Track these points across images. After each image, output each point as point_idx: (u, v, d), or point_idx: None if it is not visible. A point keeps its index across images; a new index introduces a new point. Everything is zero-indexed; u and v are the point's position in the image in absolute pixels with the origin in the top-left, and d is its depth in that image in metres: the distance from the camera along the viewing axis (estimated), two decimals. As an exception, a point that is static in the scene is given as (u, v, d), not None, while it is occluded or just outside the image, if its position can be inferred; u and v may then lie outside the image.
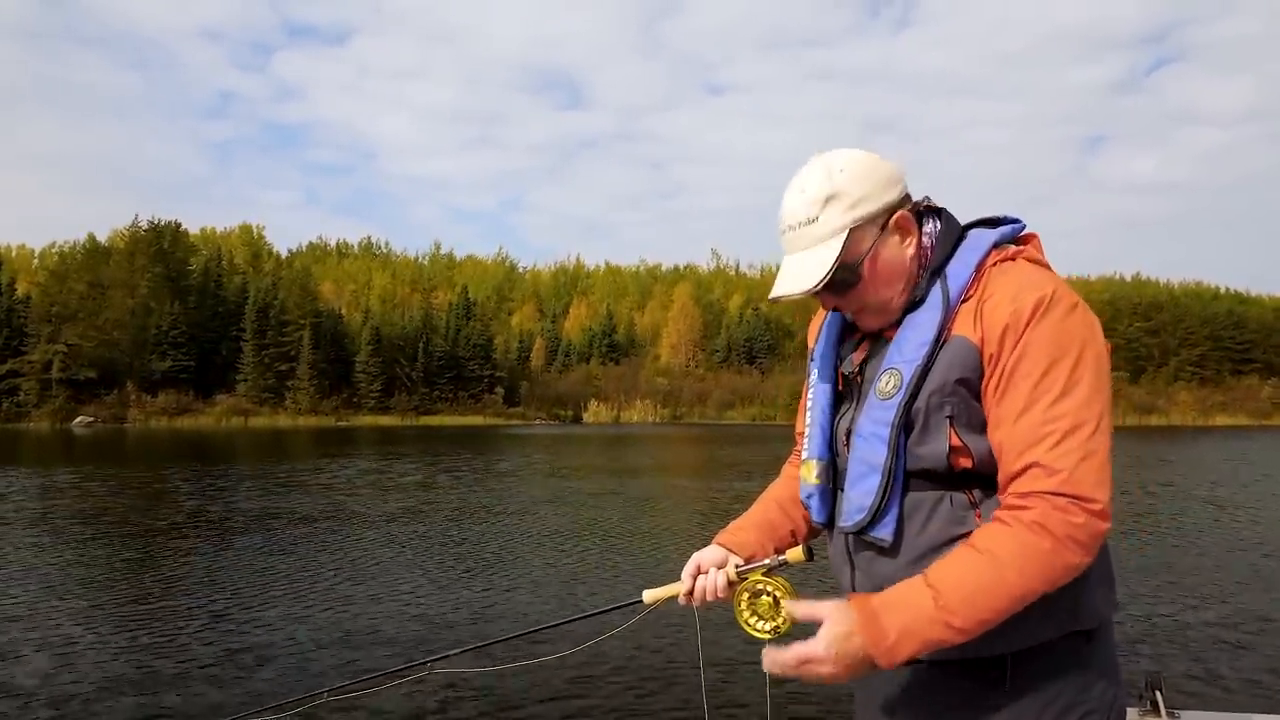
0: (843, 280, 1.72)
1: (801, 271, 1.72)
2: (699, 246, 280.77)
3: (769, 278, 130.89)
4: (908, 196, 1.78)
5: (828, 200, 1.70)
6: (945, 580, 1.55)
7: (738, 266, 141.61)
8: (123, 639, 7.19)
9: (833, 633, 1.56)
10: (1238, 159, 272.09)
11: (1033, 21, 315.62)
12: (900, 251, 1.76)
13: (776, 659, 1.58)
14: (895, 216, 1.74)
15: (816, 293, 1.74)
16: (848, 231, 1.69)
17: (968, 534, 1.64)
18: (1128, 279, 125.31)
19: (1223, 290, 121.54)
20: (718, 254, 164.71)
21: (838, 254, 1.68)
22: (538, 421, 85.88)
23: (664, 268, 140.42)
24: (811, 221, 1.71)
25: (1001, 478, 1.62)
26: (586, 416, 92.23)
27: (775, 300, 1.79)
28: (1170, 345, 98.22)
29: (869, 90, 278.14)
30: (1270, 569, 10.41)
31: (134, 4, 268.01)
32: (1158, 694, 2.56)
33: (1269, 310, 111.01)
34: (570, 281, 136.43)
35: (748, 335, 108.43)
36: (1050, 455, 1.54)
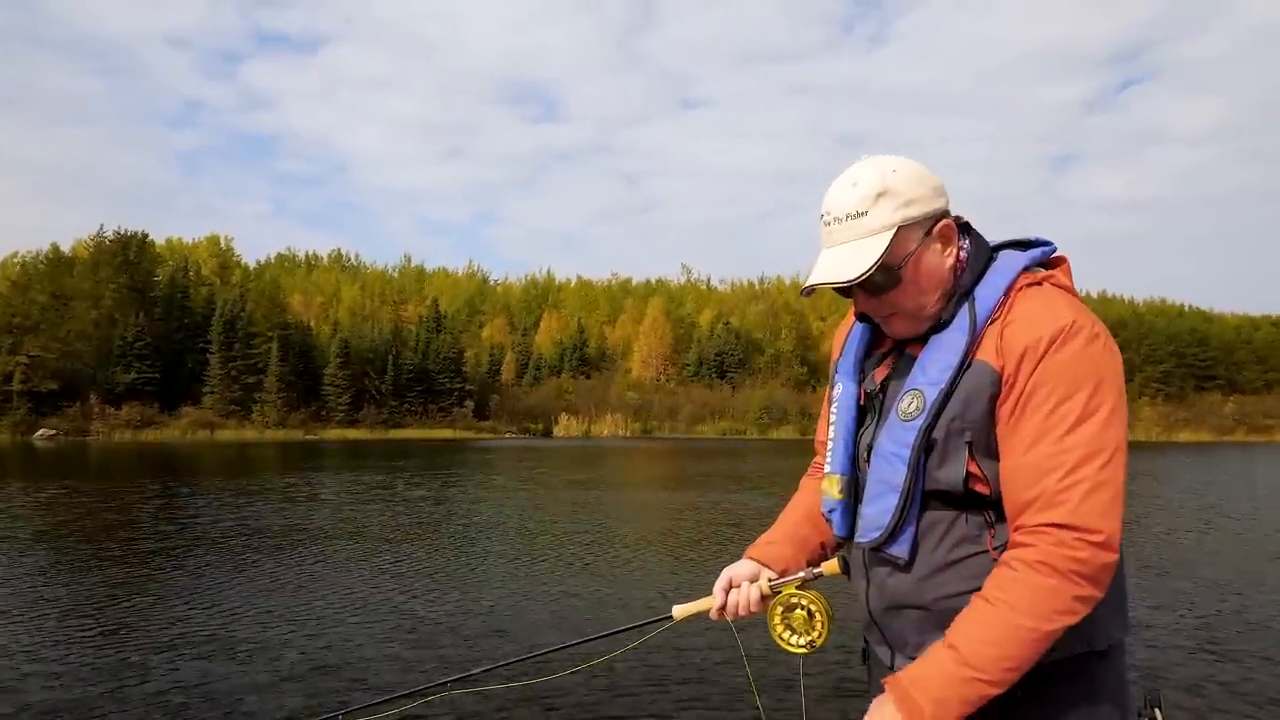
0: (884, 279, 1.72)
1: (845, 262, 1.72)
2: (670, 261, 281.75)
3: (739, 292, 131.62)
4: (949, 209, 1.79)
5: (879, 196, 1.71)
6: (963, 638, 1.58)
7: (709, 281, 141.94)
8: (95, 663, 6.98)
9: None
10: (1204, 178, 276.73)
11: (1006, 40, 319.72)
12: (941, 260, 1.76)
13: None
14: (940, 224, 1.76)
15: (854, 289, 1.74)
16: (896, 229, 1.71)
17: (980, 553, 1.69)
18: (1094, 297, 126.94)
19: (1186, 308, 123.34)
20: (689, 268, 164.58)
21: (884, 249, 1.69)
22: (508, 435, 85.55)
23: (635, 281, 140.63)
24: (861, 215, 1.71)
25: (1011, 508, 1.63)
26: (557, 430, 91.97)
27: (810, 291, 1.77)
28: (1135, 362, 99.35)
29: (843, 106, 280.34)
30: (1267, 584, 10.46)
31: (98, 8, 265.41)
32: (1156, 712, 2.51)
33: (1230, 328, 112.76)
34: (541, 295, 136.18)
35: (718, 350, 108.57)
36: (1057, 487, 1.55)
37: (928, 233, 1.73)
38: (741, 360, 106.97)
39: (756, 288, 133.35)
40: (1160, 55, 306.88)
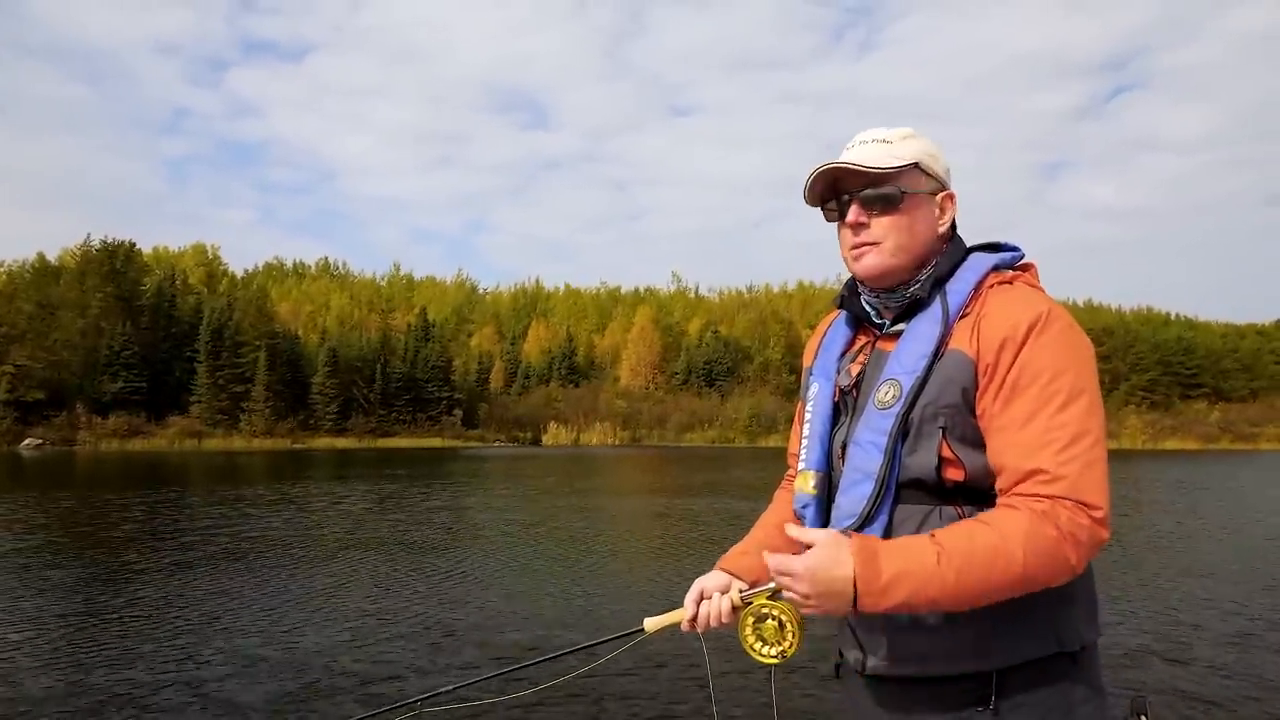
0: (892, 194, 1.80)
1: (872, 157, 1.80)
2: (659, 269, 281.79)
3: (728, 300, 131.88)
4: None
5: (906, 138, 1.84)
6: (951, 539, 1.56)
7: (698, 289, 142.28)
8: (69, 676, 6.97)
9: (818, 556, 1.57)
10: (1194, 186, 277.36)
11: (996, 48, 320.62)
12: (932, 224, 1.85)
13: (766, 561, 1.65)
14: (945, 192, 1.87)
15: (853, 199, 1.82)
16: (914, 163, 1.81)
17: None
18: (1080, 305, 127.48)
19: (1172, 316, 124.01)
20: (678, 276, 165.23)
21: (904, 166, 1.80)
22: (496, 443, 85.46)
23: (624, 290, 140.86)
24: (887, 142, 1.83)
25: (1003, 483, 1.64)
26: (545, 439, 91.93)
27: (827, 168, 1.81)
28: (1121, 370, 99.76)
29: (833, 113, 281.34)
30: (1252, 589, 10.55)
31: (85, 15, 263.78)
32: (1143, 719, 2.54)
33: (1216, 336, 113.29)
34: (530, 303, 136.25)
35: (707, 358, 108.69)
36: (1054, 461, 1.57)
37: (932, 192, 1.84)
38: (730, 369, 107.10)
39: (745, 296, 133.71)
40: (1151, 62, 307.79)
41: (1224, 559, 12.93)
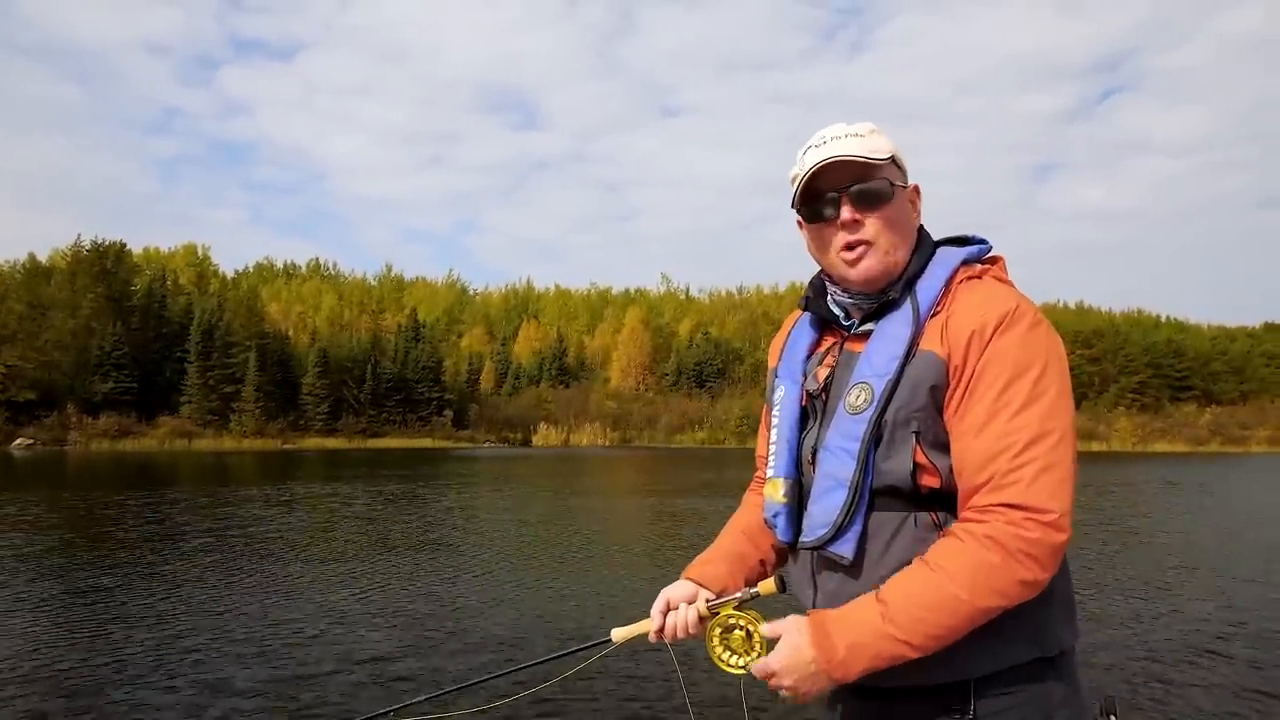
0: (884, 189, 1.75)
1: (859, 149, 1.74)
2: (650, 270, 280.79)
3: (719, 302, 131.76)
4: None
5: (874, 132, 1.77)
6: (894, 595, 1.55)
7: (688, 290, 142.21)
8: (54, 678, 6.98)
9: (786, 646, 1.61)
10: (1184, 188, 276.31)
11: (987, 49, 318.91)
12: (911, 216, 1.81)
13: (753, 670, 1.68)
14: (914, 184, 1.82)
15: (842, 200, 1.75)
16: (892, 156, 1.76)
17: None
18: (1070, 307, 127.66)
19: (1163, 319, 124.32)
20: (668, 278, 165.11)
21: (890, 157, 1.75)
22: (487, 444, 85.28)
23: (614, 291, 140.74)
24: (860, 136, 1.75)
25: (962, 490, 1.60)
26: (536, 439, 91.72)
27: (821, 164, 1.74)
28: (1111, 372, 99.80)
29: (824, 114, 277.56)
30: (1223, 590, 10.61)
31: (74, 14, 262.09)
32: (1112, 719, 2.58)
33: (1206, 338, 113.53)
34: (520, 304, 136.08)
35: (697, 359, 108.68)
36: (1008, 468, 1.53)
37: (906, 186, 1.82)
38: (721, 370, 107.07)
39: (736, 297, 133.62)
40: (1142, 64, 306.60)
41: (1207, 560, 12.96)
